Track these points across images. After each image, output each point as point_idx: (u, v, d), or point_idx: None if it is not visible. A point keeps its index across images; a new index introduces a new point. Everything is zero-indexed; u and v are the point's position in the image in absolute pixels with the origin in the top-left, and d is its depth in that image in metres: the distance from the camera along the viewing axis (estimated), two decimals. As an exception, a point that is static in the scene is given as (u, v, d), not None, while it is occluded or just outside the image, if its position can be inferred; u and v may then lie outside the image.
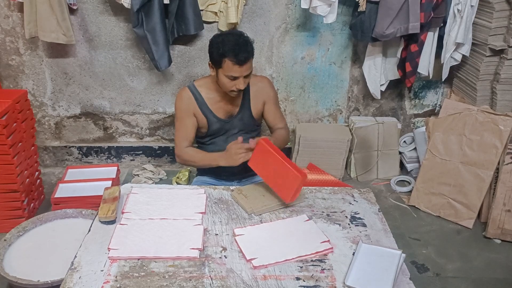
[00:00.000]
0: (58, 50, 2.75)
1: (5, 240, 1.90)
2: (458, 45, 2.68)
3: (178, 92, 2.09)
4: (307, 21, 2.81)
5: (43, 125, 2.98)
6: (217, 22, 2.73)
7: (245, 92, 2.06)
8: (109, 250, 1.44)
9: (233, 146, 1.84)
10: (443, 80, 2.88)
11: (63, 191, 2.39)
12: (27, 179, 2.39)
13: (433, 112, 3.19)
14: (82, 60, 2.80)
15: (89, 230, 1.55)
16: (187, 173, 2.95)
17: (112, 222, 1.59)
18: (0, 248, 1.85)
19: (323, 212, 1.70)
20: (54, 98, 2.91)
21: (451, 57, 2.73)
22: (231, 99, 2.05)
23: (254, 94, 2.08)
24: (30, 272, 1.76)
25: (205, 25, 2.70)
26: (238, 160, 1.81)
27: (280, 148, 1.86)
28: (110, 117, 3.01)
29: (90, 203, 2.25)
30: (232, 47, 1.85)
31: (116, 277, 1.34)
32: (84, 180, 2.49)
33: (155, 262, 1.41)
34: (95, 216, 1.61)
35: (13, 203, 2.31)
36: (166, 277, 1.35)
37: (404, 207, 2.79)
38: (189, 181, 2.89)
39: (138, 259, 1.41)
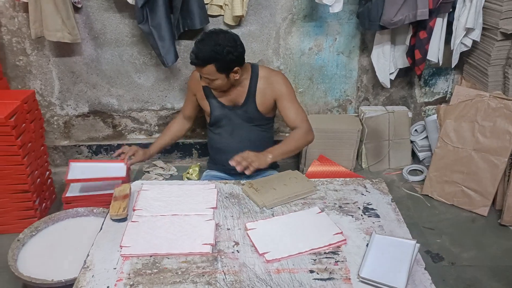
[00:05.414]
0: (64, 49, 2.75)
1: (18, 240, 1.91)
2: (468, 31, 2.62)
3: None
4: (313, 11, 2.77)
5: (52, 125, 2.99)
6: (223, 15, 2.71)
7: (251, 85, 2.03)
8: (121, 248, 1.44)
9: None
10: (453, 66, 2.83)
11: (74, 189, 2.38)
12: (38, 179, 2.40)
13: (444, 100, 3.14)
14: (89, 58, 2.80)
15: (101, 228, 1.55)
16: (197, 169, 2.94)
17: (124, 219, 1.59)
18: (14, 248, 1.86)
19: (335, 203, 1.69)
20: (62, 97, 2.91)
21: (461, 42, 2.69)
22: (235, 90, 2.04)
23: (261, 88, 2.04)
24: (44, 272, 1.76)
25: (210, 19, 2.67)
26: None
27: (296, 149, 1.92)
28: (119, 115, 3.01)
29: (101, 201, 2.25)
30: (194, 44, 1.89)
31: (129, 274, 1.34)
32: (94, 179, 2.45)
33: (168, 258, 1.40)
34: (107, 214, 1.62)
35: (25, 203, 2.32)
36: (179, 273, 1.35)
37: (417, 197, 2.76)
38: (199, 177, 2.89)
39: (151, 256, 1.41)
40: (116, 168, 2.11)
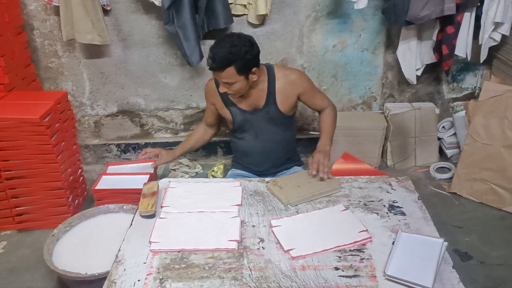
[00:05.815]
0: (94, 51, 2.83)
1: (53, 235, 1.98)
2: (497, 25, 2.56)
3: None
4: (337, 8, 2.76)
5: (83, 124, 3.09)
6: (247, 14, 2.73)
7: (270, 86, 2.02)
8: (150, 243, 1.48)
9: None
10: (482, 61, 2.77)
11: (104, 184, 2.44)
12: (71, 177, 2.49)
13: (472, 96, 3.08)
14: (117, 59, 2.87)
15: (131, 224, 1.60)
16: (222, 167, 2.98)
17: (152, 216, 1.63)
18: (49, 243, 1.94)
19: (360, 201, 1.69)
20: (92, 97, 3.00)
21: (490, 37, 2.63)
22: (254, 93, 2.02)
23: (280, 89, 2.02)
24: (77, 265, 1.83)
25: (234, 18, 2.70)
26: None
27: (335, 127, 2.14)
28: (146, 114, 3.08)
29: (131, 198, 2.31)
30: (210, 50, 1.85)
31: (158, 269, 1.38)
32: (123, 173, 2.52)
33: (195, 254, 1.44)
34: (136, 211, 1.67)
35: (59, 200, 2.41)
36: (206, 268, 1.38)
37: (445, 195, 2.71)
38: (224, 174, 2.92)
39: (179, 252, 1.45)
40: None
